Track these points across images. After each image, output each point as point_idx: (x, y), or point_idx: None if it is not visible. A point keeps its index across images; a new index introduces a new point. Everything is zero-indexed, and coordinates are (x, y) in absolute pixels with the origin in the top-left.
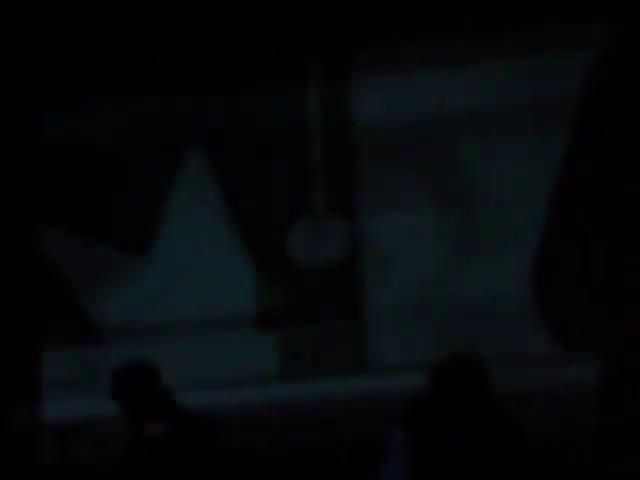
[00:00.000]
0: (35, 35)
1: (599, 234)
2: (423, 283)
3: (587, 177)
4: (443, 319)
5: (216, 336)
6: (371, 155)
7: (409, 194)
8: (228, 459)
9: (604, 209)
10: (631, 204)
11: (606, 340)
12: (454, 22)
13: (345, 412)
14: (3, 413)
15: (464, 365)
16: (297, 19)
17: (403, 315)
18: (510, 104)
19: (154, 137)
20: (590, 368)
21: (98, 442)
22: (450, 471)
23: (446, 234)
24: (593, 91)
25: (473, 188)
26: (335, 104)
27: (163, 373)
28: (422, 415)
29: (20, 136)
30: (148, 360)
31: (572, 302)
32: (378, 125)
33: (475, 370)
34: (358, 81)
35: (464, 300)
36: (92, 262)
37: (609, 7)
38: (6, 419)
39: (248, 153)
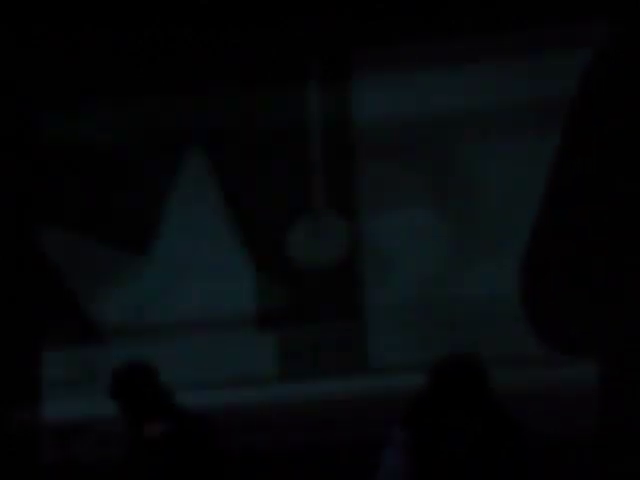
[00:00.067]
0: (35, 35)
1: (597, 234)
2: (423, 283)
3: (585, 176)
4: (443, 319)
5: (216, 336)
6: (371, 155)
7: (409, 194)
8: (228, 459)
9: (602, 209)
10: (630, 204)
11: (606, 340)
12: (454, 22)
13: (345, 412)
14: (3, 413)
15: (464, 365)
16: (297, 19)
17: (403, 315)
18: (510, 104)
19: (154, 137)
20: (590, 368)
21: (98, 442)
22: (450, 471)
23: (446, 234)
24: (592, 91)
25: (473, 188)
26: (335, 104)
27: (163, 373)
28: (422, 415)
29: (20, 136)
30: (147, 360)
31: (567, 303)
32: (378, 125)
33: (475, 370)
34: (358, 81)
35: (464, 300)
36: (92, 262)
37: (609, 7)
38: (6, 419)
39: (248, 153)
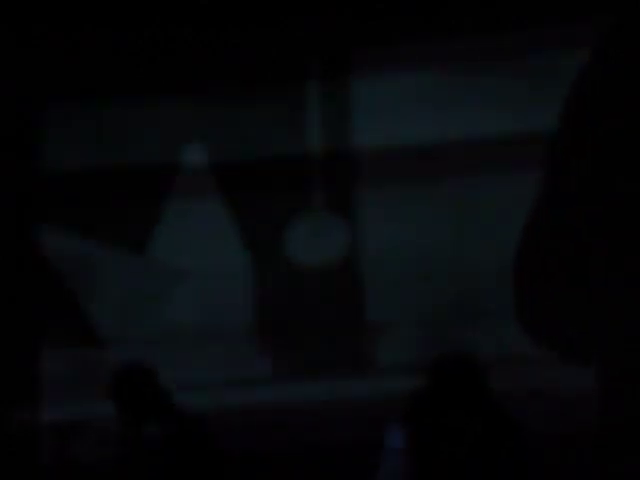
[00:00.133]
0: (35, 35)
1: (595, 234)
2: (423, 283)
3: (583, 176)
4: (443, 319)
5: (215, 336)
6: (371, 155)
7: (409, 194)
8: (228, 459)
9: (600, 209)
10: (629, 204)
11: (605, 341)
12: (454, 22)
13: (345, 412)
14: (3, 413)
15: (463, 362)
16: (297, 19)
17: (403, 315)
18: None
19: (154, 137)
20: (590, 368)
21: (98, 442)
22: (450, 471)
23: (446, 234)
24: (591, 90)
25: (473, 188)
26: (335, 104)
27: (162, 373)
28: (421, 414)
29: (20, 136)
30: (145, 361)
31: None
32: (378, 125)
33: (474, 368)
34: (358, 81)
35: (464, 300)
36: (92, 262)
37: (609, 7)
38: (6, 419)
39: (248, 153)
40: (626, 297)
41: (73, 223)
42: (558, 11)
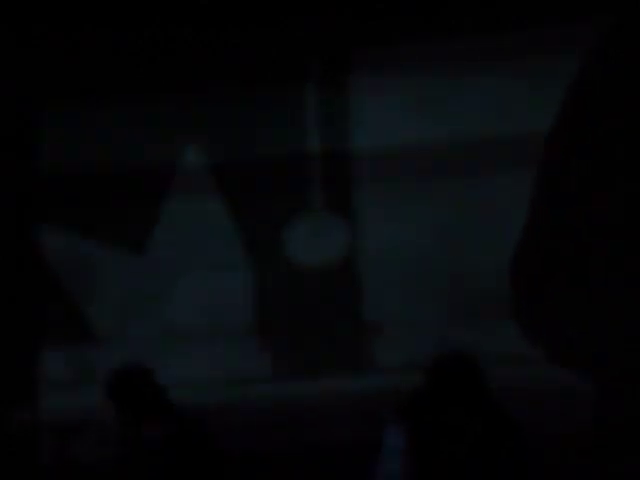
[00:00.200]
0: (35, 35)
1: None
2: (423, 283)
3: (583, 176)
4: (443, 319)
5: (215, 336)
6: (371, 154)
7: (409, 194)
8: (228, 459)
9: (600, 209)
10: (629, 204)
11: (605, 341)
12: (454, 22)
13: (345, 412)
14: (3, 413)
15: (462, 361)
16: (297, 19)
17: (403, 315)
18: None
19: (154, 137)
20: (590, 368)
21: (98, 442)
22: (450, 470)
23: (446, 233)
24: (591, 90)
25: (473, 187)
26: (335, 104)
27: (162, 372)
28: (420, 411)
29: (20, 136)
30: (144, 361)
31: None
32: (378, 125)
33: (473, 367)
34: (358, 81)
35: (464, 299)
36: (92, 262)
37: (609, 7)
38: (6, 419)
39: (248, 153)
40: (626, 297)
41: (73, 223)
42: (558, 11)
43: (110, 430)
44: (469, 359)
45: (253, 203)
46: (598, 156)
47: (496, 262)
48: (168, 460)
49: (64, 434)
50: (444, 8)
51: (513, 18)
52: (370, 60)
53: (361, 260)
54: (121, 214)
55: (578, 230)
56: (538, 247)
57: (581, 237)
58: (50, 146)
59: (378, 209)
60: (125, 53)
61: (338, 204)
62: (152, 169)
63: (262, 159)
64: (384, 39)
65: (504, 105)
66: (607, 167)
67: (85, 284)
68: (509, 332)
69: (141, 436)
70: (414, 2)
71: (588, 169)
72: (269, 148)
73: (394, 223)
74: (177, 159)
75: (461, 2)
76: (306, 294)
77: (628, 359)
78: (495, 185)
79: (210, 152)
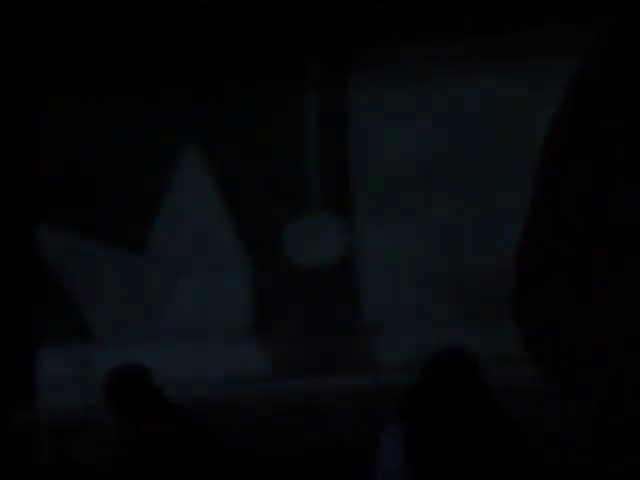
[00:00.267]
0: (35, 35)
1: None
2: (422, 283)
3: (583, 176)
4: (443, 319)
5: (215, 336)
6: (370, 154)
7: (409, 194)
8: (228, 459)
9: (599, 209)
10: (629, 204)
11: (606, 341)
12: (454, 22)
13: (345, 411)
14: (3, 413)
15: (462, 359)
16: (297, 19)
17: (403, 315)
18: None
19: (154, 137)
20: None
21: (98, 442)
22: (449, 470)
23: (446, 233)
24: (591, 90)
25: (473, 187)
26: (335, 104)
27: (162, 372)
28: (420, 411)
29: (20, 136)
30: (144, 361)
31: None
32: (377, 124)
33: (473, 366)
34: (358, 81)
35: (464, 299)
36: (92, 262)
37: (609, 7)
38: (6, 419)
39: (248, 153)
40: (626, 297)
41: (73, 223)
42: (558, 11)
43: (110, 430)
44: (469, 358)
45: (253, 203)
46: (598, 156)
47: (496, 262)
48: (168, 460)
49: (64, 434)
50: (444, 8)
51: (513, 18)
52: (370, 60)
53: (360, 260)
54: (121, 214)
55: (578, 230)
56: (538, 247)
57: (581, 237)
58: (50, 146)
59: (377, 209)
60: (125, 53)
61: (337, 204)
62: (151, 169)
63: (262, 159)
64: (384, 39)
65: (504, 105)
66: (607, 167)
67: (85, 284)
68: (509, 332)
69: (141, 436)
70: (414, 2)
71: (588, 169)
72: (269, 148)
73: (394, 223)
74: (177, 159)
75: (461, 2)
76: (306, 294)
77: (628, 359)
78: (495, 185)
79: (210, 152)
